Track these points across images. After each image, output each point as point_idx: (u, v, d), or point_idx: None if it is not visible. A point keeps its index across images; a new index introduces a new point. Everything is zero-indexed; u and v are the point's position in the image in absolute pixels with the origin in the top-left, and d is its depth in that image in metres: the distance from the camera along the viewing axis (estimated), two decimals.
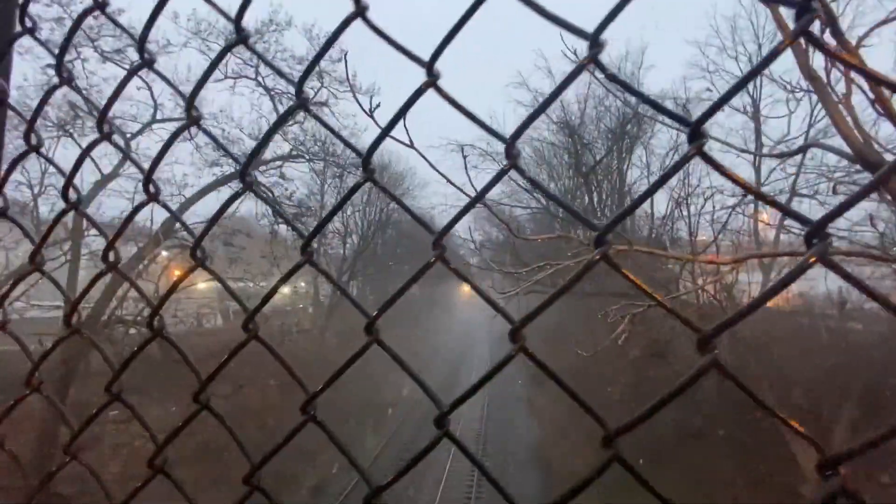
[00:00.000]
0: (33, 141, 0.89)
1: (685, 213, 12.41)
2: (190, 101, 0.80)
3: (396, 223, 28.53)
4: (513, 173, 0.61)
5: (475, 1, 0.58)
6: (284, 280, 0.88)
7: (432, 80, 0.61)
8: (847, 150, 3.53)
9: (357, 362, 0.78)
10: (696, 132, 0.48)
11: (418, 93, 0.62)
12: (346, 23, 0.64)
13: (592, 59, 0.53)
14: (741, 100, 14.48)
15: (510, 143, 0.59)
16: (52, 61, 0.87)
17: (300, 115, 15.68)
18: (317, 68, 15.37)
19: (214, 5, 0.82)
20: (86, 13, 0.85)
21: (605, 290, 11.78)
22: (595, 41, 0.53)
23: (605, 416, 0.61)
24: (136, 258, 11.92)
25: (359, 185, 0.76)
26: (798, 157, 9.81)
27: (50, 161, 1.12)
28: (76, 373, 10.77)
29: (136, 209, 0.93)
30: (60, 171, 0.92)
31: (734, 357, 9.98)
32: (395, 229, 28.86)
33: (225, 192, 14.73)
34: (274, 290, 0.91)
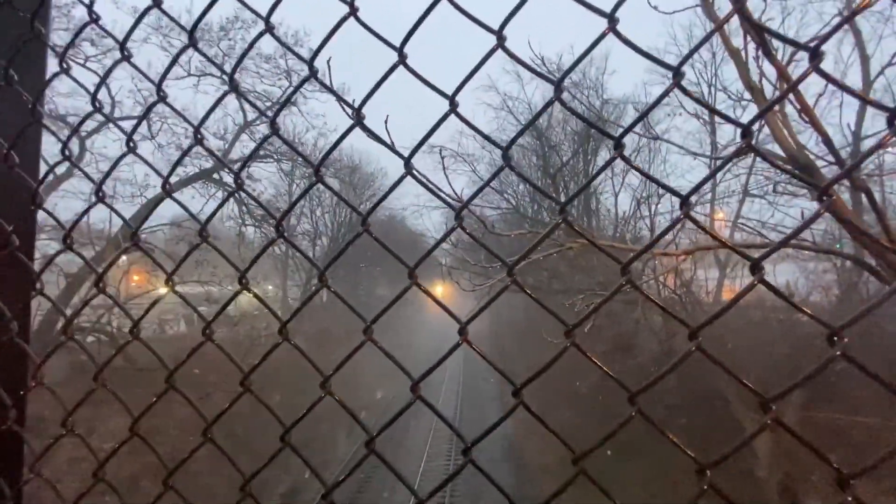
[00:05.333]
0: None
1: (646, 212, 12.89)
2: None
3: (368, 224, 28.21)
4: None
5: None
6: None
7: (454, 108, 0.74)
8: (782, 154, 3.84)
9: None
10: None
11: (443, 118, 0.75)
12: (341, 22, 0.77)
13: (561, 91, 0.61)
14: (695, 106, 15.14)
15: (506, 149, 0.72)
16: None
17: (268, 114, 15.35)
18: (285, 67, 14.92)
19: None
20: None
21: (571, 287, 12.10)
22: (559, 85, 0.66)
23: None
24: (95, 262, 11.34)
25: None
26: (750, 161, 10.37)
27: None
28: None
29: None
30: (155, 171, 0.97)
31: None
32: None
33: (188, 192, 14.21)
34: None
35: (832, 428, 8.73)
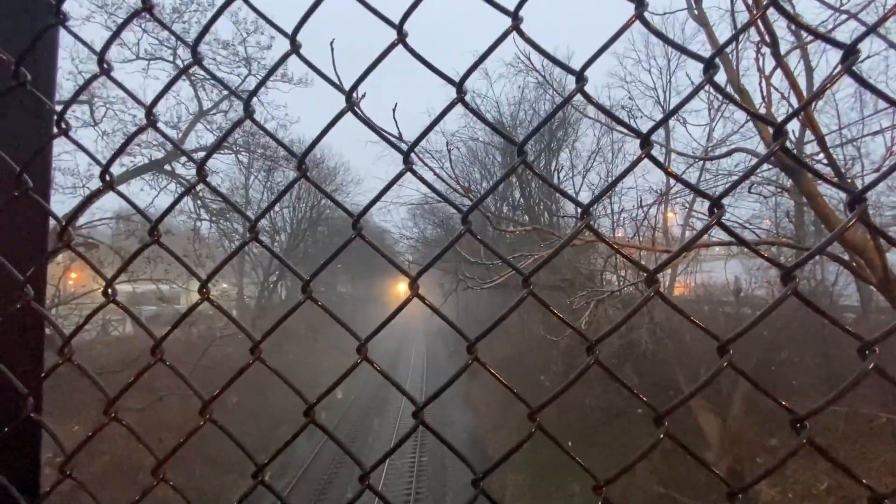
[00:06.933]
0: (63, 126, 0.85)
1: (608, 210, 13.28)
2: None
3: (329, 219, 27.65)
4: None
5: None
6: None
7: (461, 97, 0.69)
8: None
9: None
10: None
11: (450, 107, 0.71)
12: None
13: (580, 91, 0.67)
14: (653, 109, 15.75)
15: (521, 146, 0.69)
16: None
17: (224, 104, 14.68)
18: (244, 54, 14.33)
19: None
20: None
21: (537, 283, 12.34)
22: (580, 76, 0.65)
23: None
24: None
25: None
26: (700, 162, 10.91)
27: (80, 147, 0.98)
28: None
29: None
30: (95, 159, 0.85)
31: (654, 341, 10.91)
32: (327, 226, 27.96)
33: (136, 184, 13.42)
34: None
35: (777, 413, 9.37)
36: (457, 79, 0.69)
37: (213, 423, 0.76)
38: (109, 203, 12.73)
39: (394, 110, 2.48)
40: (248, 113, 0.75)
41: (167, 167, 13.93)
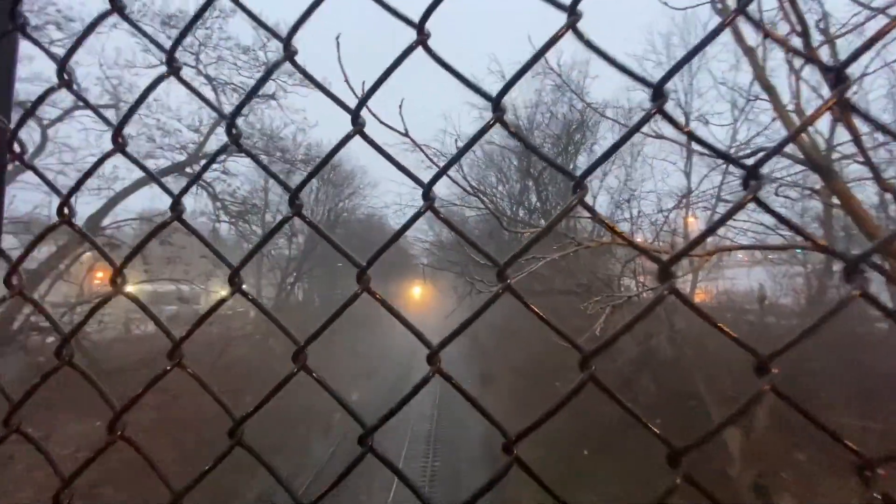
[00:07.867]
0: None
1: (626, 215, 13.09)
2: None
3: (346, 223, 27.92)
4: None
5: None
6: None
7: (423, 39, 0.61)
8: (797, 154, 3.94)
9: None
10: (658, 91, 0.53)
11: (408, 51, 0.63)
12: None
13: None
14: (674, 110, 15.46)
15: (497, 100, 0.63)
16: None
17: (245, 108, 14.95)
18: (264, 59, 14.63)
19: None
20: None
21: (553, 288, 12.20)
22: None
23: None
24: (56, 258, 10.81)
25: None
26: (723, 165, 10.65)
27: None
28: None
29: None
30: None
31: (674, 349, 10.67)
32: (344, 229, 28.21)
33: (157, 187, 13.82)
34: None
35: (806, 427, 9.05)
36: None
37: (125, 440, 0.73)
38: (133, 204, 13.07)
39: (400, 106, 2.47)
40: (174, 69, 0.73)
41: (188, 170, 14.24)
